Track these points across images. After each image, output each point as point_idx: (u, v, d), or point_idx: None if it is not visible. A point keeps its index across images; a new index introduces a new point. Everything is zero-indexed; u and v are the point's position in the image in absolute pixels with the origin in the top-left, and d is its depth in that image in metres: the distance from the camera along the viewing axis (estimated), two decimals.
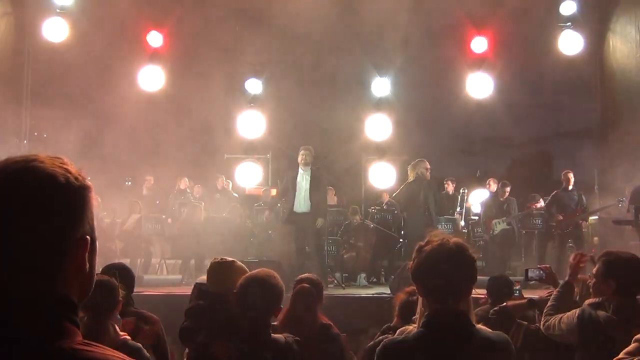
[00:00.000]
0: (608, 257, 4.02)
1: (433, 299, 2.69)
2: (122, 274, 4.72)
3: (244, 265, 4.25)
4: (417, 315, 2.94)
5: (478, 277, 2.81)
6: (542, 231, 12.80)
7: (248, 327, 3.71)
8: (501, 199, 12.92)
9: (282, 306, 3.86)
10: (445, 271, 2.63)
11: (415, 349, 2.64)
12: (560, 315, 4.18)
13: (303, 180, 11.30)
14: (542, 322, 4.26)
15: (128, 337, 3.90)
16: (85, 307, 3.88)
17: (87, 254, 1.44)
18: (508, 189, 12.95)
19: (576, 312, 4.05)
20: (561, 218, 12.40)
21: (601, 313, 3.89)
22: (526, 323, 4.82)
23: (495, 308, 5.04)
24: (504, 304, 5.10)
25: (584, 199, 12.67)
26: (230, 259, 4.35)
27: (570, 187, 12.57)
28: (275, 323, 4.37)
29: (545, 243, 12.99)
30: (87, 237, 1.43)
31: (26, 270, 1.35)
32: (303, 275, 5.31)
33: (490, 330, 2.84)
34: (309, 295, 4.83)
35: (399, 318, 4.66)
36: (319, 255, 11.45)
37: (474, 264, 2.70)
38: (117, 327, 3.88)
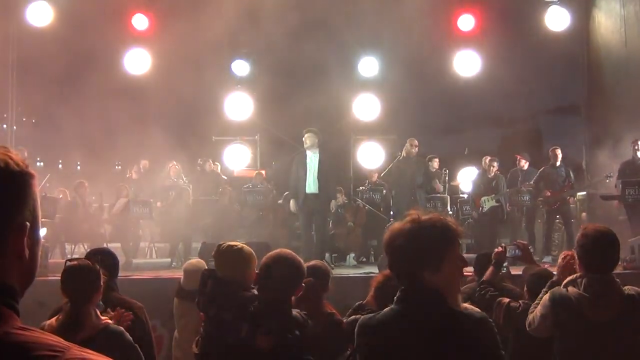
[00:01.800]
0: (580, 233, 4.01)
1: (404, 275, 2.71)
2: (105, 259, 4.71)
3: (249, 249, 4.18)
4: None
5: (467, 254, 2.81)
6: (530, 207, 12.81)
7: (272, 306, 3.75)
8: (489, 176, 12.91)
9: (303, 284, 3.91)
10: (401, 248, 2.65)
11: (390, 327, 2.64)
12: (536, 308, 4.18)
13: (312, 161, 11.40)
14: (526, 323, 4.24)
15: (110, 321, 3.91)
16: (65, 292, 3.89)
17: (26, 240, 1.42)
18: (496, 164, 12.92)
19: (548, 294, 4.05)
20: (549, 194, 12.41)
21: (572, 290, 3.88)
22: (507, 300, 4.83)
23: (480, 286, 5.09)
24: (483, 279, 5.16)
25: (571, 175, 12.68)
26: (234, 243, 4.22)
27: (558, 163, 12.56)
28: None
29: (533, 219, 13.02)
30: (27, 223, 1.42)
31: None
32: (310, 265, 5.08)
33: (470, 307, 2.84)
34: (315, 291, 4.82)
35: (374, 298, 4.66)
36: (322, 238, 11.54)
37: (447, 232, 2.67)
38: (98, 312, 3.89)
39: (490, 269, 5.23)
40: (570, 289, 3.89)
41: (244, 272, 3.92)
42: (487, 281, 5.10)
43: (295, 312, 3.88)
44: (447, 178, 13.85)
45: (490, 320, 2.77)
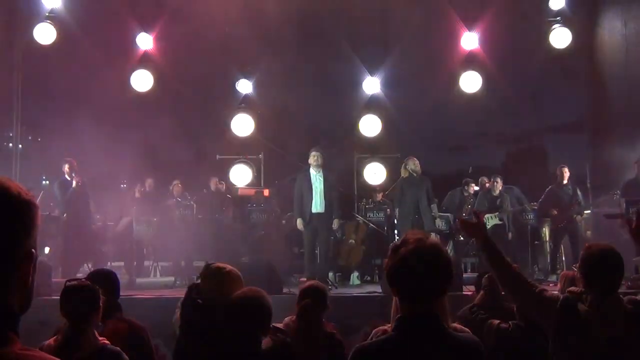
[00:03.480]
0: (584, 251, 4.00)
1: (406, 301, 2.68)
2: (106, 280, 4.73)
3: (239, 273, 4.18)
4: (392, 315, 2.94)
5: (469, 274, 2.82)
6: (534, 226, 12.77)
7: (238, 347, 3.71)
8: (494, 194, 12.90)
9: (272, 325, 3.83)
10: (419, 274, 2.60)
11: (386, 352, 2.64)
12: (543, 288, 4.08)
13: (317, 181, 11.47)
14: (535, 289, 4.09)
15: (107, 342, 3.91)
16: (63, 312, 3.91)
17: (32, 267, 1.46)
18: (500, 183, 12.91)
19: (560, 296, 3.99)
20: (555, 213, 12.39)
21: (582, 306, 3.87)
22: (497, 322, 4.84)
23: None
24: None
25: (579, 193, 12.67)
26: (225, 265, 4.21)
27: (565, 182, 12.56)
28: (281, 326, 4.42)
29: (539, 238, 12.96)
30: (34, 250, 1.46)
31: None
32: (306, 285, 5.18)
33: (464, 330, 2.84)
34: (313, 310, 4.83)
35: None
36: (326, 255, 11.59)
37: (449, 266, 2.69)
38: (96, 333, 3.89)
39: (481, 293, 5.26)
40: (580, 305, 3.85)
41: (227, 295, 3.88)
42: (478, 305, 5.14)
43: (269, 341, 3.83)
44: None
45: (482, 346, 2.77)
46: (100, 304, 4.00)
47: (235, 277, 4.08)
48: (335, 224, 11.61)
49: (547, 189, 12.76)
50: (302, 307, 4.83)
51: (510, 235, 12.81)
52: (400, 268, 2.64)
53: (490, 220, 12.66)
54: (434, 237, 2.79)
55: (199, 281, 4.17)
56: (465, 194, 13.95)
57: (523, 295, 3.95)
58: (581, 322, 3.77)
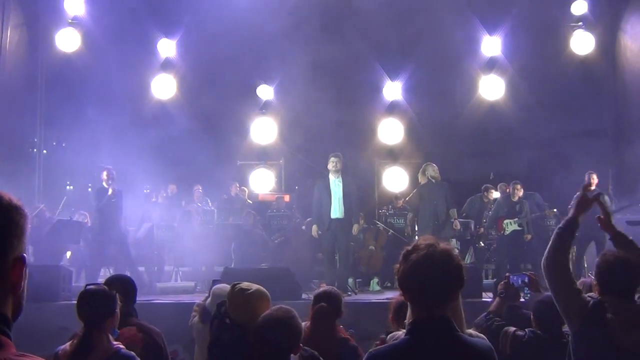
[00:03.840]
0: (599, 258, 3.97)
1: (419, 306, 2.68)
2: (123, 284, 4.75)
3: (263, 291, 4.19)
4: (407, 320, 2.93)
5: (489, 281, 2.80)
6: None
7: None
8: (514, 200, 12.81)
9: (300, 345, 3.77)
10: (432, 280, 2.61)
11: (398, 356, 2.64)
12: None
13: (336, 186, 11.45)
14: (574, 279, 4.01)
15: (122, 346, 3.93)
16: (80, 316, 3.94)
17: (23, 272, 1.48)
18: (521, 189, 12.82)
19: (586, 295, 3.92)
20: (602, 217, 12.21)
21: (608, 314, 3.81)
22: (513, 330, 4.80)
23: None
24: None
25: (607, 199, 12.53)
26: (246, 285, 4.22)
27: (593, 188, 12.42)
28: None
29: None
30: (24, 255, 1.47)
31: None
32: (320, 291, 5.19)
33: (479, 336, 2.83)
34: (328, 316, 4.83)
35: (394, 321, 4.68)
36: (346, 260, 11.53)
37: (460, 271, 2.68)
38: (111, 337, 3.91)
39: (497, 299, 5.23)
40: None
41: (254, 316, 3.85)
42: (493, 312, 5.10)
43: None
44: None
45: (494, 351, 2.76)
46: (117, 310, 4.03)
47: (261, 296, 4.10)
48: (355, 229, 11.56)
49: (576, 195, 12.57)
50: (315, 312, 4.83)
51: (529, 237, 12.72)
52: (411, 273, 2.65)
53: (510, 226, 12.59)
54: (451, 243, 2.78)
55: (225, 299, 4.23)
56: (485, 200, 13.86)
57: (565, 282, 3.88)
58: (607, 326, 3.73)
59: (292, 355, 3.73)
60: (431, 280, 2.61)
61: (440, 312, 2.64)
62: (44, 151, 15.61)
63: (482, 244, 13.51)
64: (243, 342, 3.87)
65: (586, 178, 12.51)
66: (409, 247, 2.74)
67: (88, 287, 4.09)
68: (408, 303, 2.78)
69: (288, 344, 3.66)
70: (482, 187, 13.99)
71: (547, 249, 3.84)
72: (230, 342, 4.03)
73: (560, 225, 3.97)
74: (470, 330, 3.47)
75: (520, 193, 12.82)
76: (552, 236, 3.89)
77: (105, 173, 12.01)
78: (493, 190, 13.92)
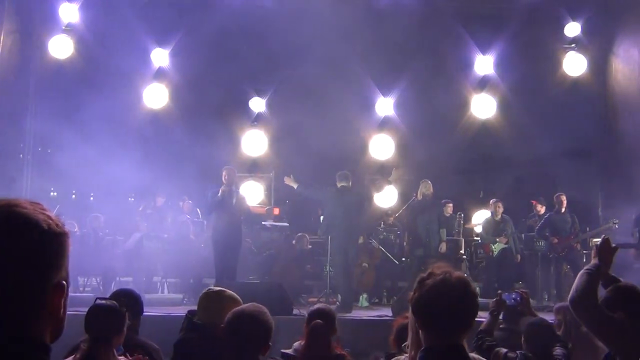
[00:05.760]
0: (618, 289, 3.84)
1: (434, 334, 2.66)
2: (129, 300, 4.70)
3: (234, 295, 4.21)
4: (407, 343, 2.92)
5: (481, 299, 2.79)
6: (545, 253, 12.64)
7: None
8: (496, 219, 12.86)
9: (270, 343, 3.68)
10: (448, 307, 2.60)
11: None
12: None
13: (343, 200, 11.58)
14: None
15: None
16: (88, 330, 3.89)
17: (63, 299, 1.46)
18: (500, 206, 12.86)
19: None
20: (556, 241, 12.32)
21: None
22: (504, 351, 4.79)
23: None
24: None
25: (576, 221, 12.59)
26: (218, 288, 4.31)
27: (563, 210, 12.49)
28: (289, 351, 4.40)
29: (547, 266, 12.81)
30: (64, 282, 1.46)
31: (4, 316, 1.38)
32: (315, 308, 5.23)
33: (478, 357, 2.83)
34: (323, 333, 4.82)
35: (395, 343, 4.68)
36: (346, 272, 11.52)
37: (475, 300, 2.68)
38: (116, 354, 3.87)
39: (488, 318, 5.22)
40: None
41: (224, 315, 3.77)
42: (484, 330, 5.08)
43: None
44: (462, 221, 13.77)
45: None
46: (125, 328, 4.01)
47: (233, 298, 4.16)
48: (360, 240, 11.70)
49: (545, 217, 12.69)
50: (311, 329, 4.82)
51: (518, 258, 12.76)
52: (428, 300, 2.63)
53: (497, 245, 12.64)
54: (460, 272, 2.77)
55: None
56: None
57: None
58: None
59: (260, 355, 3.66)
60: (449, 309, 2.60)
61: (454, 340, 2.62)
62: (29, 157, 15.45)
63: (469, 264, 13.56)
64: (210, 341, 3.86)
65: (555, 199, 12.59)
66: (424, 274, 2.73)
67: (98, 302, 4.04)
68: (419, 329, 2.76)
69: (258, 337, 3.59)
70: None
71: (577, 291, 3.72)
72: (197, 341, 4.03)
73: (589, 268, 3.86)
74: (473, 355, 3.46)
75: (501, 210, 12.86)
76: (582, 277, 3.79)
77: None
78: None
